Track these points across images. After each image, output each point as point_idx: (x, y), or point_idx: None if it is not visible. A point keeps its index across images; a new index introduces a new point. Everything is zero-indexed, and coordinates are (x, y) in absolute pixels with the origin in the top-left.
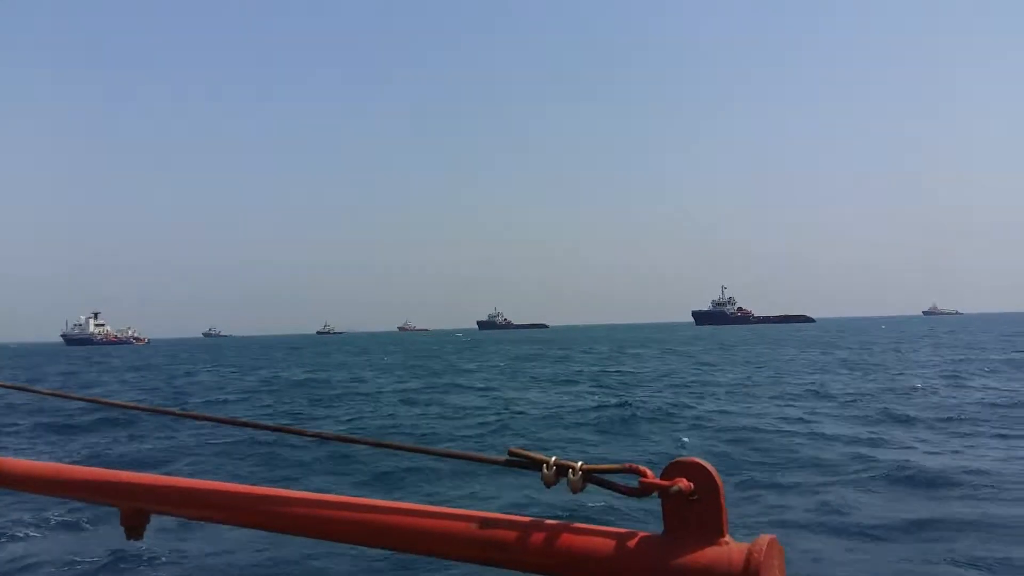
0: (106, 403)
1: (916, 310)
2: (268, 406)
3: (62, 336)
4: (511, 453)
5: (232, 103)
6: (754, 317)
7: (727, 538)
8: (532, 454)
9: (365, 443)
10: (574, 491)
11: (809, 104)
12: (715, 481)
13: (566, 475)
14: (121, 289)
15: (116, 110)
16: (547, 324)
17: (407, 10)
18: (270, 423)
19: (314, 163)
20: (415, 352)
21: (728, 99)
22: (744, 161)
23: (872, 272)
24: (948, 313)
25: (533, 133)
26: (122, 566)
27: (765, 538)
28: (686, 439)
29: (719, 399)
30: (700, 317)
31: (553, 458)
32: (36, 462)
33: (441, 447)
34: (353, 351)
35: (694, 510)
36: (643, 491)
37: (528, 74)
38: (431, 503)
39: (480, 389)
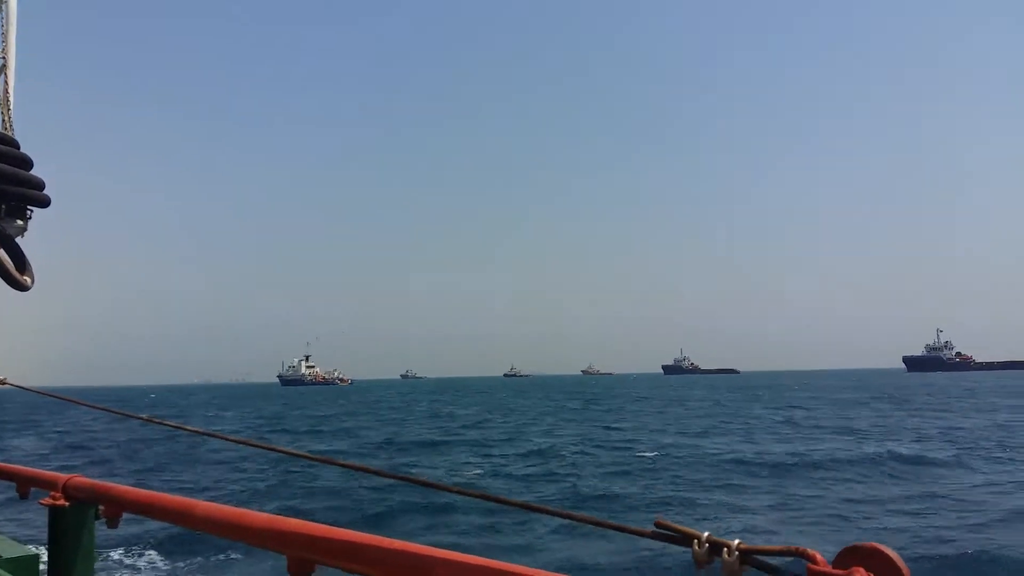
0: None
1: None
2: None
3: (278, 377)
4: (657, 524)
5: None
6: (974, 363)
7: None
8: (682, 528)
9: (511, 503)
10: (729, 574)
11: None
12: (900, 571)
13: (720, 554)
14: (328, 329)
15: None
16: (737, 369)
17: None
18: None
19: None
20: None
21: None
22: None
23: None
24: None
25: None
26: None
27: None
28: None
29: None
30: (912, 363)
31: (706, 534)
32: (221, 506)
33: (584, 513)
34: (634, 398)
35: None
36: None
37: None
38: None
39: None
